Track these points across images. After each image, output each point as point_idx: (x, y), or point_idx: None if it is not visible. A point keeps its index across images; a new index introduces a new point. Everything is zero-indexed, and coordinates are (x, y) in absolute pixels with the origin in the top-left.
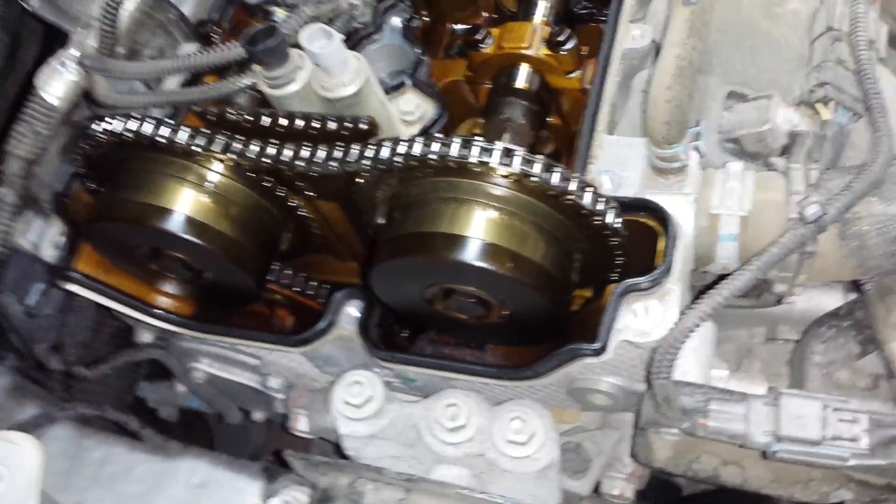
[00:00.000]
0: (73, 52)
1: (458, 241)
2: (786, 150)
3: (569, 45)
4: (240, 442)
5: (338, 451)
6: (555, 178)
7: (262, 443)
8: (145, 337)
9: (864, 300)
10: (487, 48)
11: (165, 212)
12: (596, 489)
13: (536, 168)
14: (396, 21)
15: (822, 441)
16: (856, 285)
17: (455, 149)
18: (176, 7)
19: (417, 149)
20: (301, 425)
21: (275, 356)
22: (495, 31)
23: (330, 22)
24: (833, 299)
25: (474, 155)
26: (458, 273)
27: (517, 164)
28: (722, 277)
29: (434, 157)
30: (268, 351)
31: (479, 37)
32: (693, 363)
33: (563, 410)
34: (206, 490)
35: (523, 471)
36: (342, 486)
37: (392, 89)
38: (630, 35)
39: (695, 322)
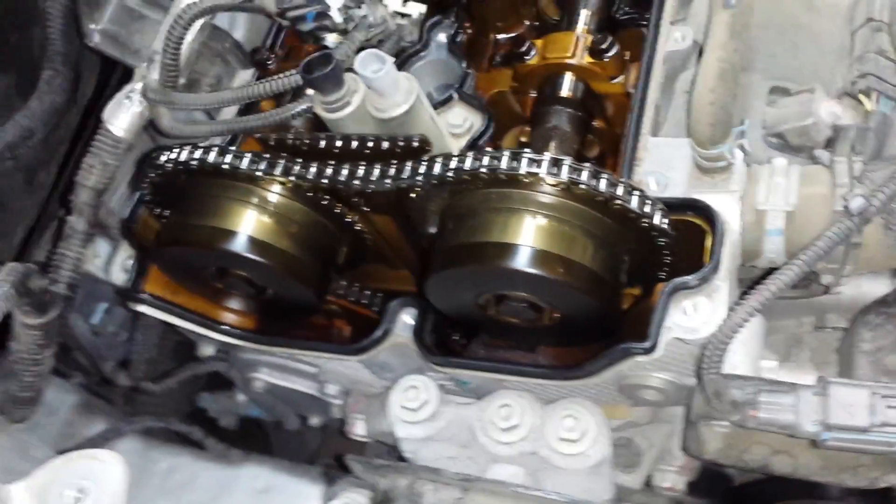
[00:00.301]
0: (138, 85)
1: (509, 249)
2: (830, 143)
3: (612, 52)
4: (296, 447)
5: (393, 453)
6: (602, 184)
7: (318, 447)
8: (207, 350)
9: None
10: (532, 59)
11: (229, 234)
12: (647, 482)
13: (584, 176)
14: (441, 37)
15: (870, 428)
16: None
17: (505, 161)
18: (231, 35)
19: (468, 163)
20: (359, 430)
21: (333, 364)
22: (539, 42)
23: (380, 44)
24: (881, 286)
25: (523, 166)
26: (511, 280)
27: (565, 173)
28: (769, 271)
29: (485, 170)
30: (326, 359)
31: (523, 49)
32: (742, 356)
33: (615, 407)
34: (269, 495)
35: (576, 467)
36: (402, 488)
37: (440, 104)
38: (672, 37)
39: (743, 318)
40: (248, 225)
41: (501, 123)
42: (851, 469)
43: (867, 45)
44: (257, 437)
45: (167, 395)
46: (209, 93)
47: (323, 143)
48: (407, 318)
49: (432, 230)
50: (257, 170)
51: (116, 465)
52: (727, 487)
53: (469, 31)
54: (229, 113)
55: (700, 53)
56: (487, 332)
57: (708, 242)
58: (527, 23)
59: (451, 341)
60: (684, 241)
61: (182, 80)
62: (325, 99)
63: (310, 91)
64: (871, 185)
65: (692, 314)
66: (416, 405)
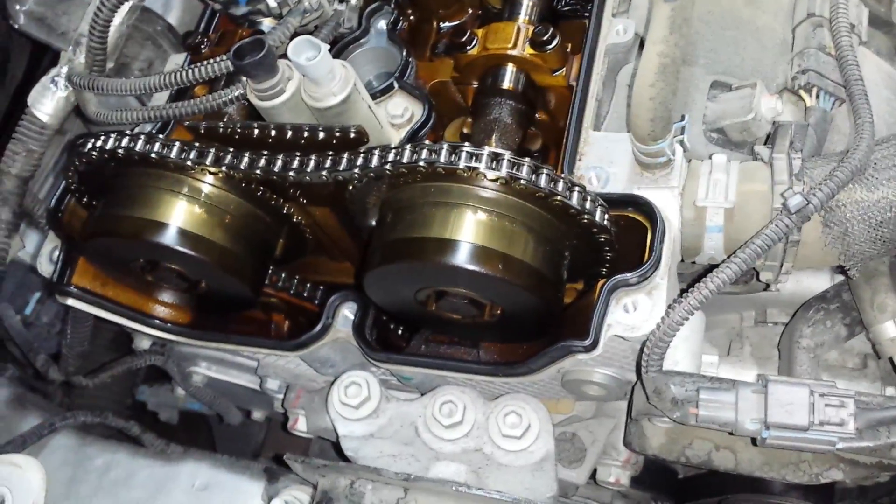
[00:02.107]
0: (64, 69)
1: (448, 245)
2: (770, 139)
3: (553, 44)
4: (240, 441)
5: (337, 449)
6: (542, 180)
7: (264, 439)
8: (143, 343)
9: (849, 283)
10: (473, 50)
11: (159, 225)
12: (592, 477)
13: (524, 171)
14: (381, 24)
15: (810, 427)
16: (841, 267)
17: (443, 155)
18: (163, 19)
19: (406, 156)
20: (300, 426)
21: (272, 359)
22: (480, 31)
23: (316, 30)
24: (821, 282)
25: (462, 161)
26: (450, 276)
27: (505, 168)
28: (709, 268)
29: (423, 164)
30: (265, 354)
31: (464, 38)
32: (683, 352)
33: (558, 401)
34: (209, 492)
35: (520, 464)
36: (342, 488)
37: (379, 93)
38: (613, 30)
39: (682, 316)
40: (177, 216)
41: (443, 114)
42: (793, 465)
43: (808, 41)
44: (200, 431)
45: (106, 389)
46: (138, 77)
47: (256, 132)
48: (347, 312)
49: (372, 222)
50: (187, 159)
51: (35, 471)
52: (672, 481)
53: (410, 18)
54: (160, 99)
55: (641, 47)
56: (429, 327)
57: (648, 239)
58: (470, 11)
59: (393, 336)
60: (625, 238)
61: (110, 65)
62: (257, 86)
63: (244, 79)
64: (811, 182)
65: (632, 312)
66: (357, 402)
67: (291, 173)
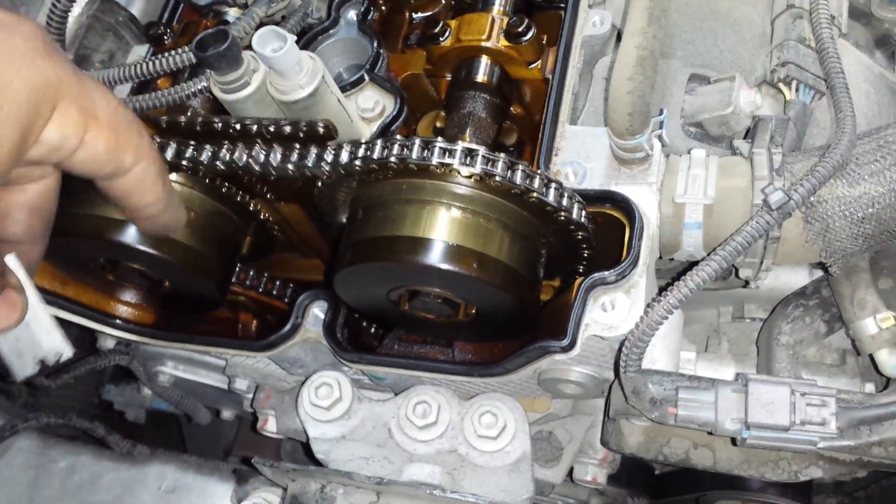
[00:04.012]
0: None
1: (421, 243)
2: (749, 132)
3: (528, 36)
4: (210, 440)
5: (308, 451)
6: (518, 176)
7: (234, 438)
8: (108, 343)
9: (829, 279)
10: (446, 41)
11: (117, 223)
12: (569, 475)
13: (499, 167)
14: (351, 14)
15: (791, 427)
16: (822, 264)
17: (415, 151)
18: (125, 9)
19: (377, 152)
20: (269, 426)
21: (240, 359)
22: (453, 23)
23: (283, 20)
24: (799, 277)
25: (435, 156)
26: (423, 276)
27: (479, 164)
28: (688, 266)
29: (394, 159)
30: (232, 355)
31: (436, 30)
32: (661, 350)
33: (534, 400)
34: (176, 495)
35: (496, 465)
36: (312, 492)
37: (349, 86)
38: (590, 21)
39: (662, 315)
40: None
41: (416, 107)
42: (773, 463)
43: (788, 33)
44: (169, 430)
45: (71, 388)
46: (99, 70)
47: (219, 126)
48: (317, 312)
49: (343, 219)
50: None
51: None
52: (648, 478)
53: (382, 8)
54: (122, 92)
55: (618, 39)
56: (402, 326)
57: (626, 236)
58: (443, 2)
59: (365, 335)
60: (603, 234)
61: (70, 56)
62: (221, 79)
63: (208, 71)
64: (791, 177)
65: (610, 310)
66: (328, 403)
67: (257, 168)
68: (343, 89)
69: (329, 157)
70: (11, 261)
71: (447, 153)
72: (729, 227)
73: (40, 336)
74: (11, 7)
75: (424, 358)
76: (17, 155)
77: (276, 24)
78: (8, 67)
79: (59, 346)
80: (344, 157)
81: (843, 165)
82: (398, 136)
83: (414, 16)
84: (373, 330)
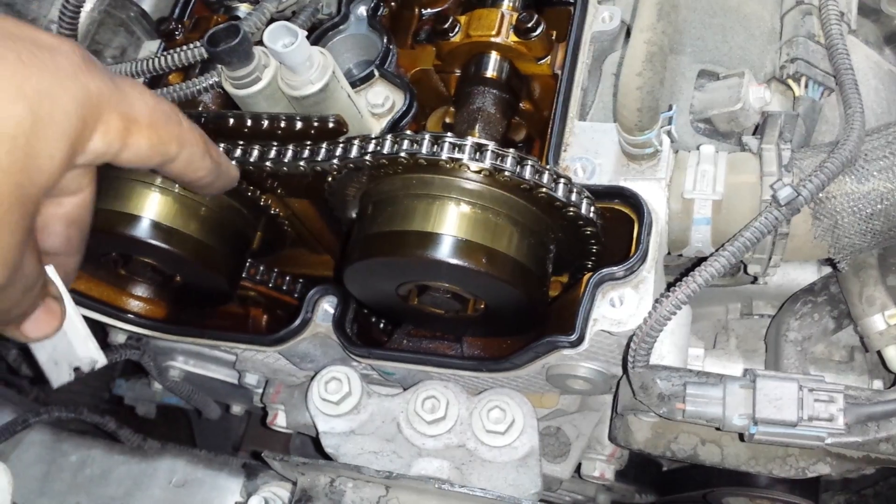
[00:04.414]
0: None
1: (430, 238)
2: (758, 129)
3: (538, 31)
4: (220, 435)
5: (317, 446)
6: (527, 172)
7: (244, 433)
8: (119, 338)
9: (838, 276)
10: (455, 37)
11: (131, 218)
12: (576, 471)
13: (508, 162)
14: (362, 10)
15: (799, 422)
16: (830, 260)
17: (425, 146)
18: (136, 4)
19: (387, 147)
20: (280, 421)
21: (250, 354)
22: (462, 18)
23: (294, 16)
24: (808, 274)
25: (445, 152)
26: (432, 270)
27: (488, 160)
28: (697, 261)
29: (404, 154)
30: (243, 349)
31: (446, 25)
32: (669, 346)
33: (543, 395)
34: (187, 489)
35: (504, 460)
36: (322, 486)
37: (359, 81)
38: (599, 17)
39: (669, 311)
40: (150, 209)
41: (425, 103)
42: (780, 459)
43: (797, 29)
44: (179, 425)
45: (82, 383)
46: (111, 65)
47: (231, 122)
48: (327, 307)
49: (352, 215)
50: None
51: (1, 474)
52: (656, 474)
53: (392, 4)
54: None
55: (628, 34)
56: (411, 321)
57: (635, 231)
58: None
59: (374, 330)
60: (611, 230)
61: None
62: (232, 74)
63: (219, 66)
64: (800, 173)
65: (618, 306)
66: (337, 398)
67: (268, 163)
68: (353, 85)
69: (339, 151)
70: (50, 271)
71: (457, 148)
72: (737, 223)
73: (76, 344)
74: (23, 2)
75: (433, 353)
76: (67, 167)
77: (287, 19)
78: (56, 86)
79: (94, 355)
80: (354, 151)
81: (852, 162)
82: (408, 132)
83: (423, 11)
84: (382, 325)
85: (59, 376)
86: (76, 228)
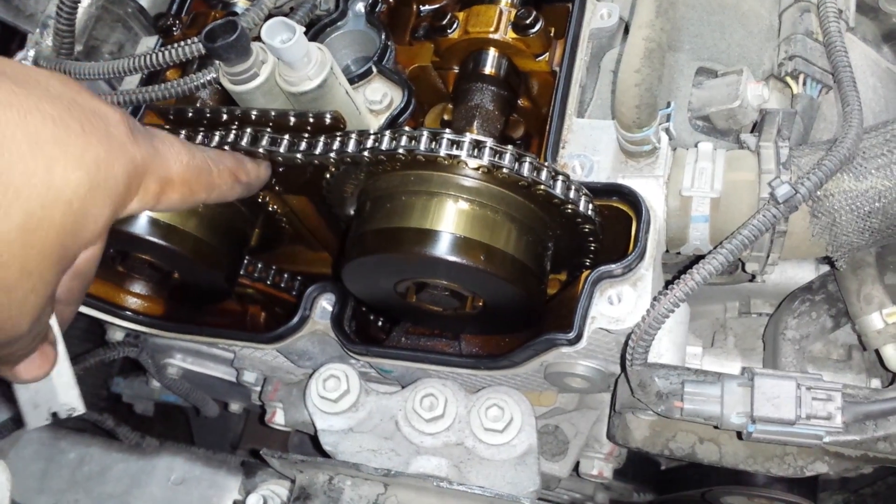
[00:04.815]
0: (31, 52)
1: (429, 235)
2: (756, 126)
3: (536, 28)
4: (218, 432)
5: (315, 444)
6: (525, 169)
7: (242, 431)
8: (117, 335)
9: (835, 274)
10: (453, 33)
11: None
12: (575, 469)
13: (507, 159)
14: (360, 6)
15: (797, 421)
16: (828, 258)
17: (423, 142)
18: (134, 0)
19: (385, 143)
20: (278, 419)
21: (248, 351)
22: (461, 15)
23: (292, 11)
24: (805, 272)
25: (443, 148)
26: (431, 268)
27: (487, 156)
28: (695, 259)
29: (402, 151)
30: (240, 347)
31: (444, 22)
32: (668, 344)
33: (541, 393)
34: (185, 487)
35: (502, 458)
36: (320, 483)
37: (358, 77)
38: (597, 14)
39: (668, 308)
40: None
41: (423, 100)
42: (778, 458)
43: (795, 27)
44: (177, 423)
45: (80, 380)
46: (108, 61)
47: (225, 117)
48: (325, 304)
49: (350, 212)
50: None
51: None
52: (654, 472)
53: (390, 0)
54: (131, 83)
55: (626, 31)
56: (409, 319)
57: (633, 229)
58: None
59: (373, 327)
60: (609, 228)
61: (79, 48)
62: (230, 70)
63: (217, 62)
64: (798, 171)
65: (617, 304)
66: (335, 395)
67: (264, 150)
68: (351, 81)
69: (336, 145)
70: (52, 317)
71: (455, 145)
72: (735, 221)
73: (59, 390)
74: None
75: (431, 351)
76: (108, 227)
77: (285, 15)
78: (110, 155)
79: (74, 403)
80: (351, 146)
81: (850, 159)
82: (406, 128)
83: (422, 8)
84: (380, 323)
85: (35, 419)
86: (80, 280)
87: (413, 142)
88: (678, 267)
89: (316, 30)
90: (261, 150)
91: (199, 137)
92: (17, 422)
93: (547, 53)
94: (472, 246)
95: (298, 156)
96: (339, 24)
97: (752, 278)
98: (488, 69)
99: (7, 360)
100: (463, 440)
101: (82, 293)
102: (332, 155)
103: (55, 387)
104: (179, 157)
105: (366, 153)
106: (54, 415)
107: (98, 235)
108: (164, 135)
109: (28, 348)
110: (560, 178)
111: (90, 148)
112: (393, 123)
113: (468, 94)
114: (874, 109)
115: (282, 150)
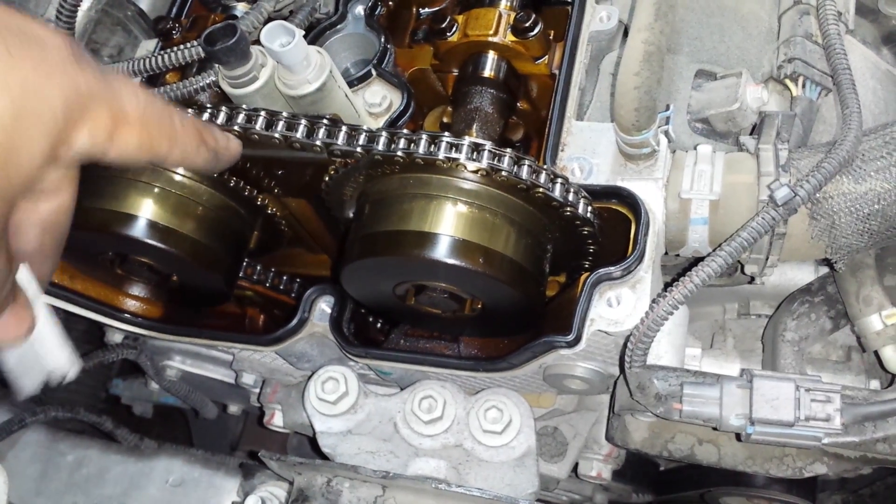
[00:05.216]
0: None
1: (427, 238)
2: (755, 128)
3: (535, 31)
4: (217, 434)
5: (314, 446)
6: (524, 171)
7: (241, 433)
8: (116, 337)
9: (835, 276)
10: (453, 36)
11: (127, 217)
12: (574, 471)
13: (506, 162)
14: (359, 9)
15: (795, 422)
16: (827, 260)
17: (422, 145)
18: (134, 3)
19: (383, 145)
20: (276, 421)
21: (247, 353)
22: (460, 18)
23: (291, 15)
24: (805, 274)
25: (442, 151)
26: (429, 270)
27: (486, 159)
28: (694, 262)
29: (401, 154)
30: (239, 349)
31: (443, 25)
32: (667, 346)
33: (540, 395)
34: (183, 489)
35: (501, 459)
36: (319, 486)
37: (357, 80)
38: (597, 17)
39: (667, 310)
40: (147, 208)
41: (423, 103)
42: (777, 459)
43: (794, 29)
44: (176, 424)
45: (79, 382)
46: (108, 64)
47: (223, 120)
48: (324, 306)
49: (349, 214)
50: None
51: None
52: (653, 474)
53: (389, 3)
54: None
55: (625, 34)
56: (408, 321)
57: (632, 231)
58: None
59: (372, 330)
60: (608, 230)
61: None
62: (229, 73)
63: (216, 66)
64: (797, 173)
65: (616, 306)
66: (334, 398)
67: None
68: (350, 84)
69: (340, 140)
70: (22, 275)
71: (454, 148)
72: (735, 223)
73: (46, 353)
74: (20, 0)
75: (430, 353)
76: (48, 162)
77: (285, 18)
78: (43, 78)
79: (64, 365)
80: (352, 145)
81: (849, 162)
82: (405, 131)
83: (421, 11)
84: (379, 325)
85: (26, 386)
86: (51, 234)
87: (412, 144)
88: (677, 269)
89: (315, 33)
90: (236, 127)
91: None
92: (16, 423)
93: (546, 56)
94: (471, 248)
95: (276, 136)
96: (338, 27)
97: (752, 280)
98: (487, 72)
99: None
100: (462, 442)
101: (58, 247)
102: (336, 151)
103: (41, 351)
104: (136, 94)
105: (363, 153)
106: (45, 381)
107: (35, 172)
108: (122, 75)
109: None
110: (559, 180)
111: (16, 71)
112: (392, 126)
113: (467, 96)
114: (874, 112)
115: (257, 126)
